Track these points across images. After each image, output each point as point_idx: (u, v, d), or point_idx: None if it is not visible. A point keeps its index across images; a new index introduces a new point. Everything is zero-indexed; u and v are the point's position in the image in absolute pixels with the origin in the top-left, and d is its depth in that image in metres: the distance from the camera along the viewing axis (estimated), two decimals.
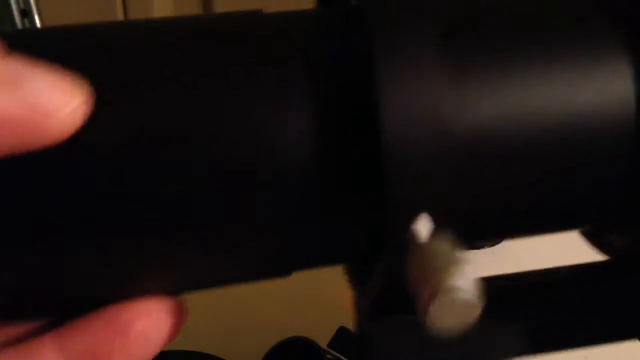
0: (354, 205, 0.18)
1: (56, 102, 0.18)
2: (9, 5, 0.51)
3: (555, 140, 0.19)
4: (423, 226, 0.18)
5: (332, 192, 0.18)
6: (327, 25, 0.20)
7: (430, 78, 0.18)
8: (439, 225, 0.18)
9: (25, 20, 0.52)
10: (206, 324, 0.40)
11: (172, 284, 0.19)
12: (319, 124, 0.17)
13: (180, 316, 0.19)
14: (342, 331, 0.34)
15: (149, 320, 0.18)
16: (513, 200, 0.20)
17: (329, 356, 0.32)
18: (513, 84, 0.19)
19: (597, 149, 0.20)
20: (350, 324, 0.36)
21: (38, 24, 0.53)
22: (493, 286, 0.18)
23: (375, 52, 0.17)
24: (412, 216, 0.18)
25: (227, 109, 0.17)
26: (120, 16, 0.69)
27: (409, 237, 0.18)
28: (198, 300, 0.45)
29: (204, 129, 0.17)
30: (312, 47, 0.19)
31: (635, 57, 0.19)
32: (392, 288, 0.18)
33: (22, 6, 0.52)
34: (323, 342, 0.33)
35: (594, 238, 0.24)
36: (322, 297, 0.43)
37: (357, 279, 0.21)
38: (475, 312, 0.17)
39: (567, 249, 0.36)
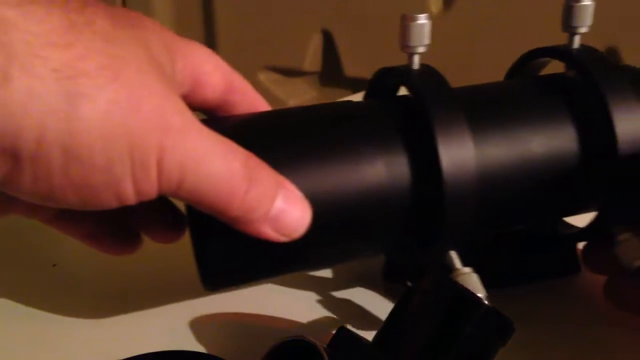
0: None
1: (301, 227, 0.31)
2: None
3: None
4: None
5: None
6: (394, 111, 0.37)
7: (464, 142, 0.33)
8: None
9: None
10: (206, 324, 0.40)
11: None
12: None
13: None
14: (342, 331, 0.34)
15: None
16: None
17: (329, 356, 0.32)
18: (506, 141, 0.36)
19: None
20: (350, 324, 0.36)
21: None
22: None
23: (434, 130, 0.33)
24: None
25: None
26: None
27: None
28: (198, 301, 0.45)
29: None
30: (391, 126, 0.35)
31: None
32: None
33: None
34: (323, 342, 0.33)
35: None
36: (321, 297, 0.43)
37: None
38: None
39: None
